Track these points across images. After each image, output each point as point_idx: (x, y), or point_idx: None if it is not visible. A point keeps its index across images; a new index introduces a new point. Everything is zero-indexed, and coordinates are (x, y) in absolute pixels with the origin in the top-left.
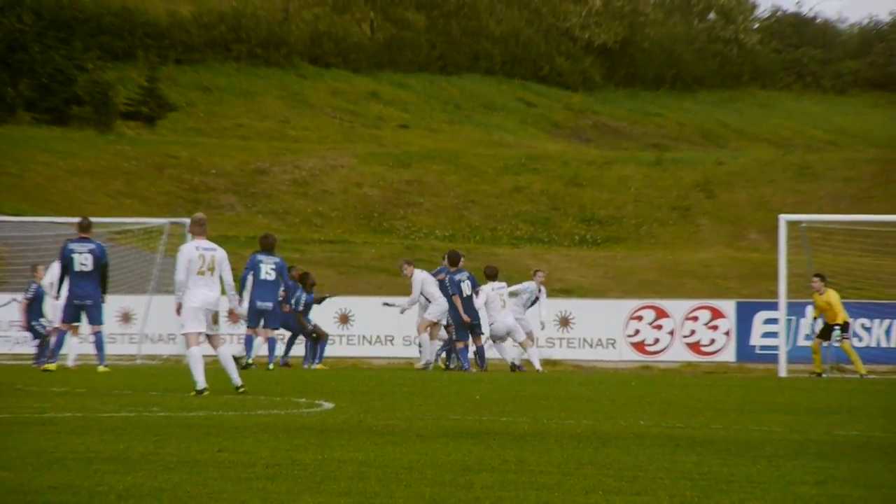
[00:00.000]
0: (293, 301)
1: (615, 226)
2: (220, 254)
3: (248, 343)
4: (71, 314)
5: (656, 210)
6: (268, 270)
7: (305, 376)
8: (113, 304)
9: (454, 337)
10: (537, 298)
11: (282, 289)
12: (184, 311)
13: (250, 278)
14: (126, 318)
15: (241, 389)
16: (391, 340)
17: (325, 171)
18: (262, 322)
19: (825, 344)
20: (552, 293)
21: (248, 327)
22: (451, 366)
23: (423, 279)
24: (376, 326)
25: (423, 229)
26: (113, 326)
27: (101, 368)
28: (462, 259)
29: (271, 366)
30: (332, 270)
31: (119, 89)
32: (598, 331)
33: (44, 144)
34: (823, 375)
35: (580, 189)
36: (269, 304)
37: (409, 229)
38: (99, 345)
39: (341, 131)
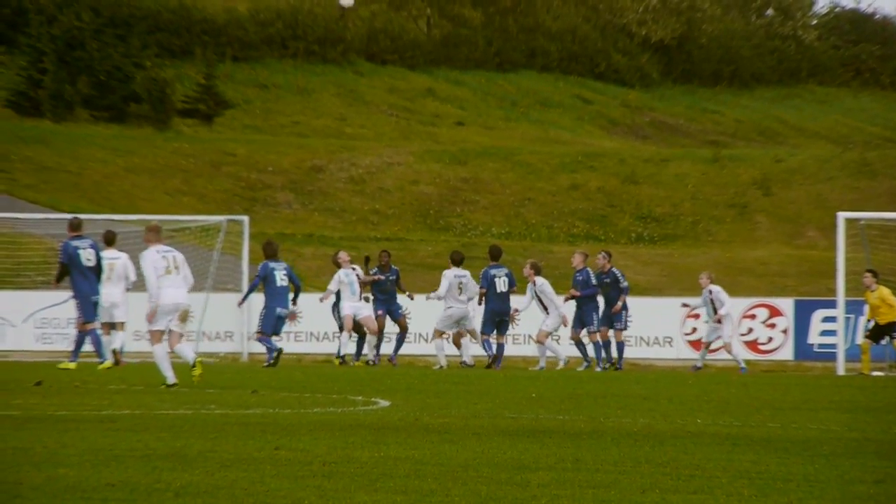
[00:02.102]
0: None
1: (672, 223)
2: (181, 255)
3: (268, 343)
4: (90, 311)
5: (713, 207)
6: (281, 276)
7: (361, 374)
8: None
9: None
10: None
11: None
12: (154, 310)
13: (260, 284)
14: (183, 315)
15: (195, 376)
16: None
17: (381, 169)
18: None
19: (883, 342)
20: None
21: (266, 333)
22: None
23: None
24: (431, 324)
25: (479, 227)
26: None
27: (103, 365)
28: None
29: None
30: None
31: (176, 87)
32: (654, 329)
33: (102, 142)
34: (873, 374)
35: (637, 186)
36: (286, 311)
37: (466, 227)
38: (97, 342)
39: (398, 129)
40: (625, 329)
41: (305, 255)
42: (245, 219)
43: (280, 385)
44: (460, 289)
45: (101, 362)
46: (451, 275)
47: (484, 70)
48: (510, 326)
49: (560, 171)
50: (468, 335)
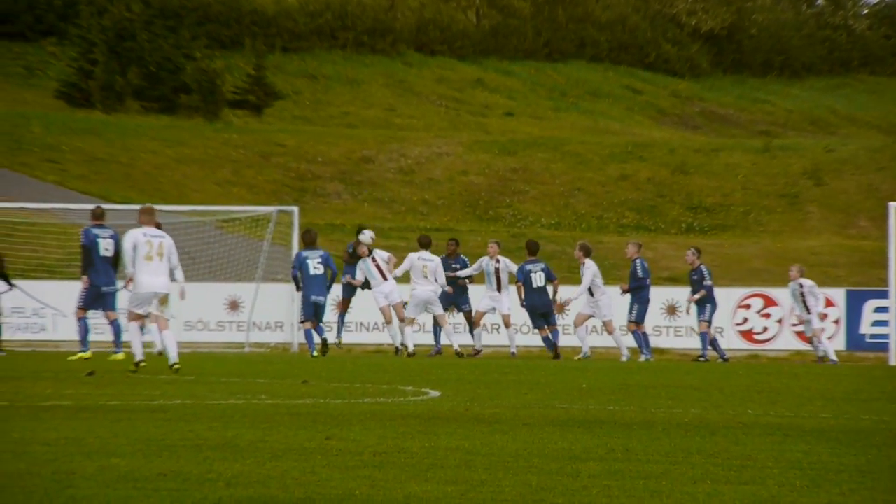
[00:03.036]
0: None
1: (722, 213)
2: (169, 241)
3: (309, 336)
4: (90, 300)
5: (764, 198)
6: (315, 265)
7: (410, 364)
8: (220, 293)
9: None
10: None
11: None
12: (133, 296)
13: (299, 275)
14: (234, 305)
15: (176, 367)
16: (497, 329)
17: (430, 159)
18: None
19: None
20: (659, 281)
21: (304, 321)
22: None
23: (594, 271)
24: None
25: (528, 217)
26: (221, 314)
27: (117, 356)
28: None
29: (314, 353)
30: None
31: (226, 77)
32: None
33: (152, 133)
34: None
35: (687, 177)
36: (322, 298)
37: (515, 217)
38: (117, 332)
39: (447, 119)
40: (708, 322)
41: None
42: (295, 209)
43: (330, 375)
44: (425, 273)
45: (84, 351)
46: (414, 257)
47: (533, 60)
48: (560, 315)
49: (610, 161)
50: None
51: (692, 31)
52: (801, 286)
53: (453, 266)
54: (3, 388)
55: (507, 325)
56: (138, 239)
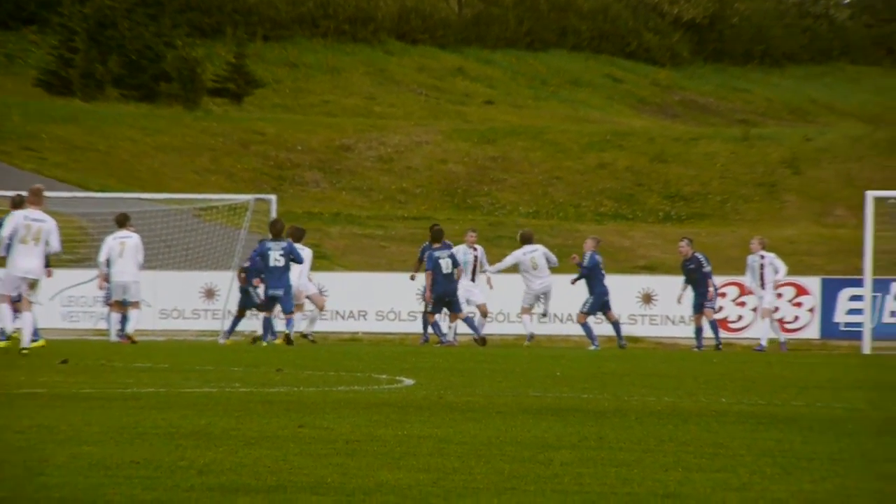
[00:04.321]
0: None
1: (700, 202)
2: (49, 225)
3: (266, 325)
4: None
5: (742, 186)
6: (276, 257)
7: (385, 353)
8: (196, 281)
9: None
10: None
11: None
12: (5, 277)
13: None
14: (210, 294)
15: (25, 352)
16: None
17: (409, 148)
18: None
19: None
20: (635, 270)
21: (264, 311)
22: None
23: (517, 257)
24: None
25: (507, 206)
26: (197, 302)
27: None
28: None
29: (266, 341)
30: (416, 247)
31: (207, 66)
32: (680, 308)
33: (131, 121)
34: None
35: (666, 165)
36: (280, 291)
37: (494, 206)
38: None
39: (427, 108)
40: (715, 311)
41: (332, 233)
42: (273, 198)
43: (305, 363)
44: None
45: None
46: (307, 252)
47: (514, 49)
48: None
49: (589, 150)
50: (484, 314)
51: (674, 20)
52: (763, 258)
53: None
54: None
55: (483, 315)
56: (17, 222)
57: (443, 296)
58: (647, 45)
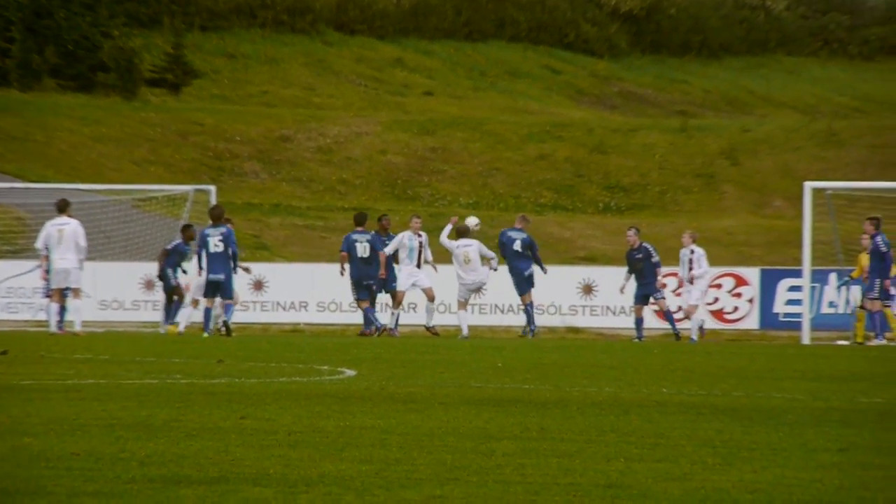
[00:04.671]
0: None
1: (639, 193)
2: None
3: (207, 314)
4: None
5: (681, 177)
6: (216, 243)
7: (327, 344)
8: (136, 272)
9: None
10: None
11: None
12: None
13: (204, 253)
14: (150, 285)
15: None
16: (414, 308)
17: (349, 139)
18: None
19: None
20: (575, 261)
21: (204, 298)
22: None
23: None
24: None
25: (447, 197)
26: (136, 294)
27: None
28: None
29: (206, 333)
30: None
31: (144, 56)
32: (621, 298)
33: (69, 111)
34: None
35: (605, 156)
36: (222, 276)
37: (433, 197)
38: None
39: (366, 98)
40: (664, 299)
41: (272, 224)
42: (212, 188)
43: (246, 355)
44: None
45: None
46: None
47: (453, 40)
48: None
49: (528, 141)
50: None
51: (611, 12)
52: (693, 252)
53: (385, 242)
54: None
55: (430, 299)
56: None
57: (361, 279)
58: (585, 36)
